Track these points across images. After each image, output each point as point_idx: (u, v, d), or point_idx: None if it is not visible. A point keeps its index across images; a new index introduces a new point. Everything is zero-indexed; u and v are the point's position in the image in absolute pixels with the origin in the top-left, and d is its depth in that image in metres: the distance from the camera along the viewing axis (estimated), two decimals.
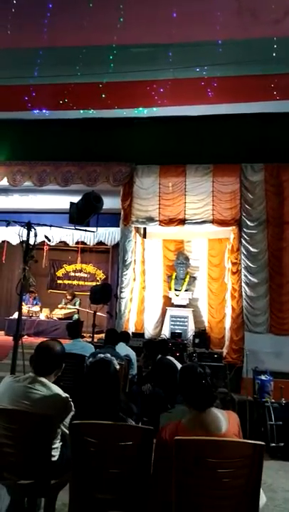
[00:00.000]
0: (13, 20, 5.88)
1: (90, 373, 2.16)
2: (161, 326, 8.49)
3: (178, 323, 8.31)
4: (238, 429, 2.02)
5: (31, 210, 9.27)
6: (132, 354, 5.29)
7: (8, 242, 9.79)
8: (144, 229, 9.05)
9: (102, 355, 3.11)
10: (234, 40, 6.22)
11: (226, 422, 1.99)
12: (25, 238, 4.15)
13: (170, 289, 8.61)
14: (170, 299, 8.62)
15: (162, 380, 4.20)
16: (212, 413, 2.02)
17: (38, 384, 2.25)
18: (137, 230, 8.72)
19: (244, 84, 6.92)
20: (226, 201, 7.64)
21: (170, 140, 7.87)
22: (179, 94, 7.32)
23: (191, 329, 8.17)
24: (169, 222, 7.87)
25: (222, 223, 7.66)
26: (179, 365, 4.56)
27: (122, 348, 5.09)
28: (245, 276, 7.31)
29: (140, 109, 7.78)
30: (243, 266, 7.35)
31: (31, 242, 4.19)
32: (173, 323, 8.32)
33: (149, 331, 8.58)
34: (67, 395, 2.26)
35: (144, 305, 8.77)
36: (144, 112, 7.77)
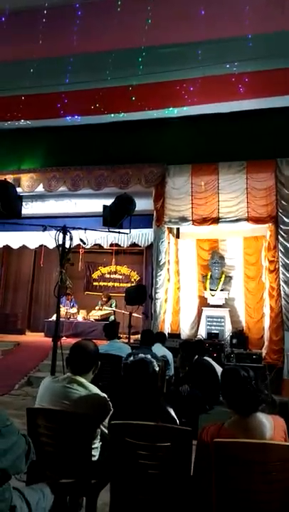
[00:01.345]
0: (43, 30, 6.03)
1: (129, 373, 2.15)
2: (198, 327, 8.40)
3: (214, 323, 8.19)
4: (284, 435, 1.94)
5: (66, 214, 9.47)
6: (169, 355, 5.26)
7: (45, 246, 10.06)
8: (178, 229, 8.98)
9: (142, 355, 3.11)
10: (264, 34, 6.05)
11: (271, 427, 1.91)
12: (61, 242, 4.23)
13: (205, 289, 8.50)
14: (206, 299, 8.51)
15: (200, 381, 4.15)
16: (256, 418, 1.95)
17: (76, 383, 2.27)
18: (170, 230, 8.67)
19: (276, 78, 6.72)
20: (260, 198, 7.45)
21: (201, 138, 7.79)
22: (210, 92, 7.22)
23: (228, 329, 8.02)
24: (203, 221, 7.77)
25: (257, 220, 7.47)
26: (216, 366, 4.49)
27: (159, 349, 5.07)
28: (283, 274, 7.09)
29: (170, 109, 7.75)
30: (280, 264, 7.13)
31: (67, 245, 4.27)
32: (209, 323, 8.20)
33: (185, 332, 8.51)
34: (105, 395, 2.27)
35: (180, 305, 8.71)
36: (174, 112, 7.73)
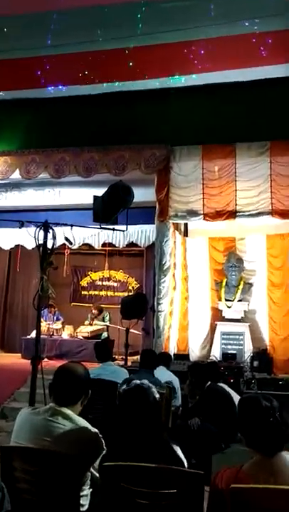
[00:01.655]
0: None
1: (124, 404, 2.16)
2: (210, 346, 8.40)
3: (231, 341, 8.18)
4: None
5: (48, 207, 9.47)
6: (175, 380, 5.25)
7: (22, 246, 10.06)
8: (185, 225, 8.98)
9: (137, 382, 3.10)
10: None
11: None
12: (41, 241, 4.23)
13: (220, 299, 8.50)
14: (220, 311, 8.51)
15: (213, 412, 4.14)
16: (282, 459, 1.95)
17: (61, 416, 2.27)
18: (177, 226, 8.68)
19: None
20: (288, 186, 7.46)
21: (214, 114, 7.82)
22: (224, 56, 7.26)
23: (247, 349, 8.01)
24: (216, 215, 7.78)
25: (284, 214, 7.49)
26: (233, 395, 4.48)
27: (163, 373, 5.07)
28: None
29: (176, 77, 7.79)
30: None
31: (49, 245, 4.26)
32: (225, 341, 8.20)
33: (194, 352, 8.51)
34: (97, 431, 2.27)
35: (188, 319, 8.72)
36: (181, 81, 7.76)
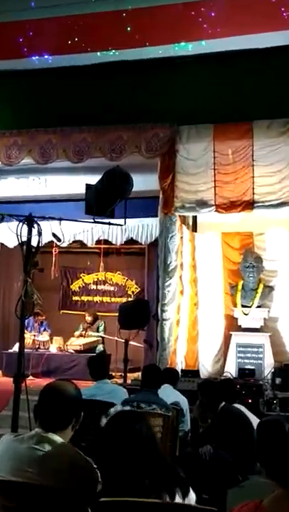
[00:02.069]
0: None
1: (108, 436, 2.13)
2: (224, 360, 8.38)
3: (248, 354, 8.15)
4: None
5: (33, 197, 9.47)
6: (183, 401, 5.25)
7: (2, 244, 10.07)
8: (194, 218, 8.96)
9: (118, 408, 3.09)
10: None
11: None
12: (25, 238, 4.24)
13: (235, 305, 8.48)
14: (236, 319, 8.49)
15: (228, 439, 4.14)
16: None
17: (48, 444, 2.27)
18: (184, 220, 8.66)
19: None
20: None
21: (228, 87, 7.81)
22: (239, 19, 7.24)
23: (268, 364, 7.98)
24: (231, 206, 7.77)
25: None
26: (252, 417, 4.48)
27: (168, 393, 5.07)
28: None
29: (182, 44, 7.77)
30: None
31: (34, 243, 4.27)
32: (241, 355, 8.17)
33: (206, 368, 8.49)
34: (91, 460, 2.27)
35: (198, 329, 8.70)
36: (188, 49, 7.75)
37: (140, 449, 2.04)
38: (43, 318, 10.16)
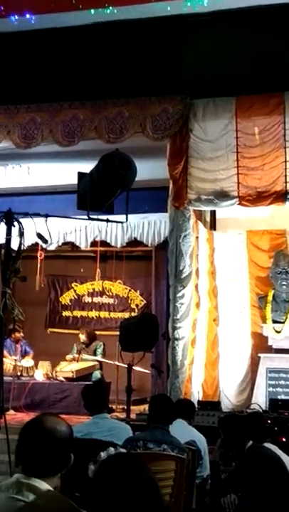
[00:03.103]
0: None
1: (97, 489, 2.12)
2: (251, 389, 8.37)
3: (282, 382, 8.14)
4: None
5: (12, 190, 9.50)
6: (200, 440, 5.24)
7: None
8: (213, 214, 8.95)
9: (112, 450, 3.06)
10: None
11: None
12: (3, 240, 4.25)
13: (265, 320, 8.47)
14: (265, 338, 8.48)
15: (257, 486, 4.12)
16: None
17: (31, 493, 2.27)
18: (200, 216, 8.65)
19: None
20: None
21: (253, 50, 7.80)
22: None
23: None
24: (258, 198, 7.75)
25: None
26: (287, 460, 4.46)
27: (182, 430, 5.06)
28: None
29: None
30: None
31: (14, 245, 4.28)
32: (273, 382, 8.17)
33: (228, 399, 8.48)
34: None
35: (218, 351, 8.70)
36: (203, 4, 7.75)
37: (137, 501, 2.03)
38: (21, 335, 10.15)
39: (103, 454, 3.32)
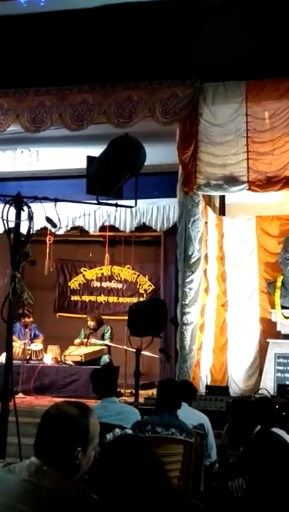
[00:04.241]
0: None
1: (102, 470, 2.13)
2: (260, 374, 8.38)
3: None
4: None
5: (21, 174, 9.49)
6: (205, 421, 5.29)
7: None
8: (222, 199, 8.93)
9: (118, 431, 3.08)
10: None
11: None
12: (12, 223, 4.25)
13: (274, 306, 8.47)
14: (274, 324, 8.48)
15: (265, 470, 4.14)
16: None
17: (44, 476, 2.29)
18: (209, 201, 8.62)
19: None
20: None
21: (264, 33, 7.76)
22: None
23: None
24: (268, 183, 7.74)
25: None
26: None
27: (187, 413, 5.09)
28: None
29: None
30: None
31: (23, 229, 4.29)
32: (281, 367, 8.18)
33: (237, 384, 8.51)
34: (95, 498, 2.28)
35: (227, 336, 8.71)
36: None
37: (141, 483, 2.04)
38: (30, 320, 10.20)
39: (109, 436, 3.35)
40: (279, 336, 8.41)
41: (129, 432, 3.31)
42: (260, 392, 7.69)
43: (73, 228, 10.29)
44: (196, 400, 6.43)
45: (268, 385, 8.02)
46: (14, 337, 8.86)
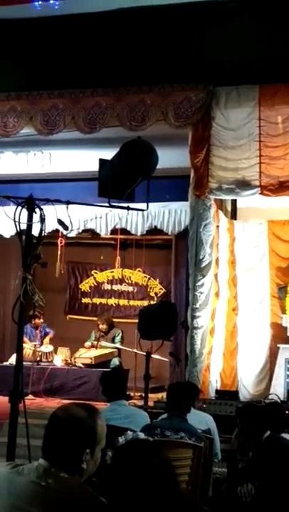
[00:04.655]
0: None
1: (121, 471, 2.13)
2: (270, 379, 8.36)
3: None
4: None
5: (34, 176, 9.52)
6: (213, 426, 5.29)
7: None
8: (234, 203, 8.91)
9: (138, 435, 3.08)
10: None
11: None
12: (24, 226, 4.26)
13: (284, 311, 8.45)
14: (285, 329, 8.46)
15: (274, 476, 4.12)
16: None
17: (53, 479, 2.29)
18: (221, 205, 8.61)
19: None
20: None
21: (277, 37, 7.77)
22: None
23: None
24: (280, 187, 7.72)
25: None
26: None
27: (198, 418, 5.08)
28: None
29: None
30: None
31: (35, 231, 4.30)
32: None
33: (247, 388, 8.49)
34: (103, 501, 2.28)
35: (237, 341, 8.69)
36: None
37: (152, 488, 2.03)
38: (41, 321, 10.22)
39: (121, 440, 3.35)
40: None
41: (141, 435, 3.31)
42: (270, 397, 7.65)
43: (85, 231, 10.32)
44: (199, 401, 6.44)
45: (278, 390, 7.99)
46: (25, 339, 8.89)
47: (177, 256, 10.35)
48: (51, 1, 8.16)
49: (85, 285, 12.00)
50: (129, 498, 2.02)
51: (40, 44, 8.59)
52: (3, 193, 4.45)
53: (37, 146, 9.39)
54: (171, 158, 7.81)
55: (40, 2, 8.17)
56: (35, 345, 9.87)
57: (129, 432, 3.40)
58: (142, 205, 5.36)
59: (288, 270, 8.64)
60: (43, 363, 9.74)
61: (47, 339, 10.23)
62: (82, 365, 9.62)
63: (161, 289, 11.48)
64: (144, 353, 7.99)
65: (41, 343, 10.10)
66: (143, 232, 10.20)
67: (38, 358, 9.80)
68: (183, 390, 4.93)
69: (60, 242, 9.84)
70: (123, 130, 8.10)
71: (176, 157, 8.13)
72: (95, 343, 10.07)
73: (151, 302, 11.03)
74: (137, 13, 8.13)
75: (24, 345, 7.12)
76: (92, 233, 10.54)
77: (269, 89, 7.86)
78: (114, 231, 10.40)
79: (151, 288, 11.61)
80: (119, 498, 2.06)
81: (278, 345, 8.39)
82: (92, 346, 10.03)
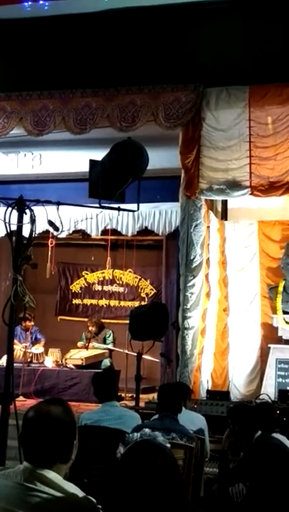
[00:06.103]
0: None
1: (126, 471, 2.13)
2: (261, 380, 8.37)
3: None
4: None
5: (24, 177, 9.49)
6: (203, 423, 5.30)
7: None
8: (224, 204, 8.92)
9: (146, 432, 3.08)
10: None
11: None
12: (14, 227, 4.26)
13: (275, 311, 8.46)
14: (275, 329, 8.48)
15: (266, 476, 4.12)
16: None
17: (39, 481, 2.28)
18: (211, 205, 8.62)
19: None
20: None
21: (267, 38, 7.75)
22: None
23: None
24: (270, 188, 7.73)
25: None
26: None
27: (189, 418, 5.08)
28: None
29: None
30: None
31: (25, 233, 4.29)
32: (282, 373, 8.16)
33: (238, 389, 8.49)
34: (93, 500, 2.28)
35: (228, 341, 8.70)
36: None
37: (162, 490, 2.04)
38: (32, 324, 10.20)
39: (135, 436, 3.32)
40: (280, 341, 8.39)
41: (158, 434, 3.26)
42: (261, 397, 7.67)
43: (75, 232, 10.29)
44: (191, 401, 6.44)
45: (269, 390, 8.01)
46: (15, 340, 8.86)
47: (168, 256, 10.34)
48: (41, 2, 8.14)
49: (76, 286, 12.00)
50: (129, 498, 2.03)
51: (30, 44, 8.56)
52: None
53: (27, 147, 9.36)
54: (161, 159, 7.82)
55: (29, 3, 8.15)
56: (25, 346, 9.85)
57: (146, 429, 3.38)
58: (133, 206, 5.37)
59: (279, 270, 8.65)
60: (33, 365, 9.73)
61: (38, 344, 10.21)
62: (73, 366, 9.60)
63: (152, 289, 11.49)
64: (135, 354, 7.99)
65: (32, 345, 10.09)
66: (134, 233, 10.18)
67: (29, 360, 9.78)
68: (173, 391, 4.94)
69: (51, 243, 9.81)
70: (113, 131, 8.09)
71: (166, 158, 8.13)
72: (86, 344, 10.06)
73: (142, 303, 11.04)
74: (126, 14, 8.13)
75: (14, 346, 7.10)
76: (82, 234, 10.51)
77: (259, 90, 7.87)
78: (104, 232, 10.37)
79: (142, 288, 11.61)
80: (119, 498, 2.07)
81: (269, 346, 8.40)
82: (84, 347, 10.03)
